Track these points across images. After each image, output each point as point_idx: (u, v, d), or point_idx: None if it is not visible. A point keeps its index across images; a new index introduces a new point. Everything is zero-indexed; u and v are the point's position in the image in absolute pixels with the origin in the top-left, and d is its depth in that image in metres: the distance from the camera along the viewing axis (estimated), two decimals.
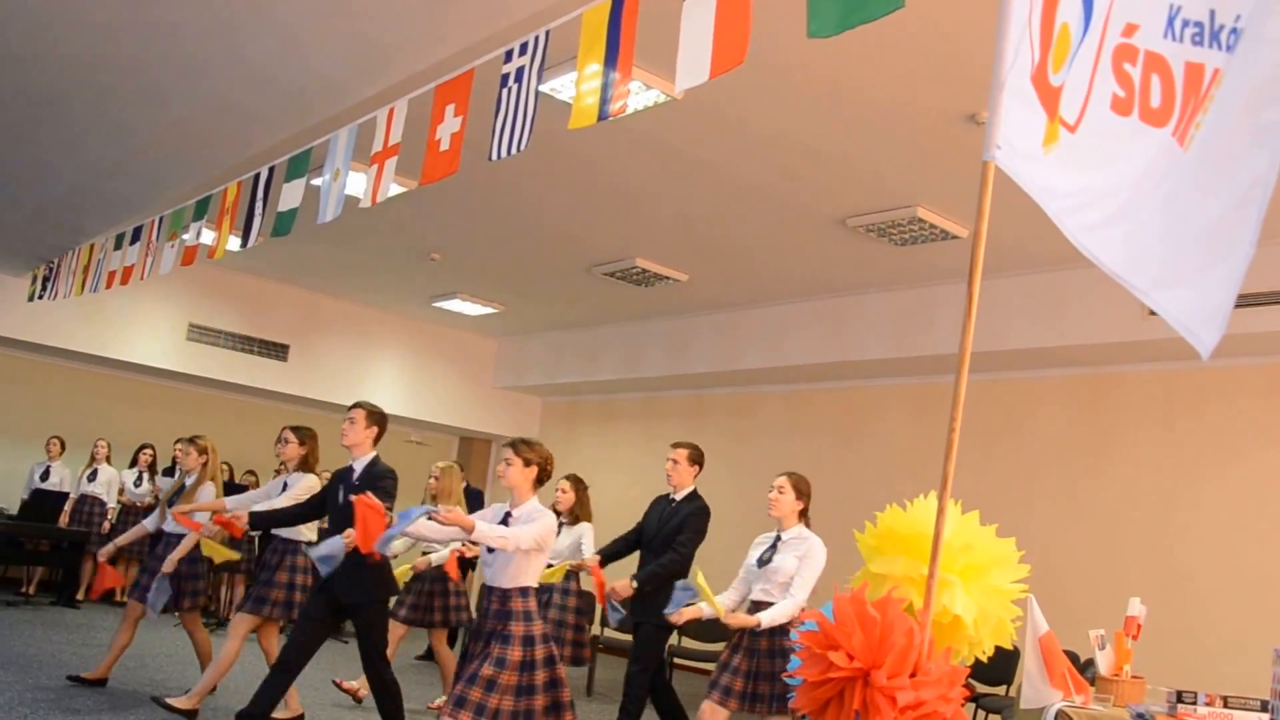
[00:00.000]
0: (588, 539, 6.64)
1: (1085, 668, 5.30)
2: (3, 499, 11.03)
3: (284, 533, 6.03)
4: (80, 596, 10.28)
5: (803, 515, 5.02)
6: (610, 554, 6.23)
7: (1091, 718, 4.36)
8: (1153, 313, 7.22)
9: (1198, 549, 7.64)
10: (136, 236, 7.15)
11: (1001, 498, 8.35)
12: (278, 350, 11.92)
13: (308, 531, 6.13)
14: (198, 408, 12.18)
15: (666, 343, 11.30)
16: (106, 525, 10.34)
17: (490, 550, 4.28)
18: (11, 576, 10.88)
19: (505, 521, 4.34)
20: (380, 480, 5.12)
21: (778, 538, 4.98)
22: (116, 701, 6.06)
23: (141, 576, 6.36)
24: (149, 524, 6.62)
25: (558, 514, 6.52)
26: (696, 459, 6.00)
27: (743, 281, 9.55)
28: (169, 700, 5.70)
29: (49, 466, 10.66)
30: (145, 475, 10.72)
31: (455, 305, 11.69)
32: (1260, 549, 7.31)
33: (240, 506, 5.73)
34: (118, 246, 7.43)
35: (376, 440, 5.38)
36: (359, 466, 5.28)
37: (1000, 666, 7.02)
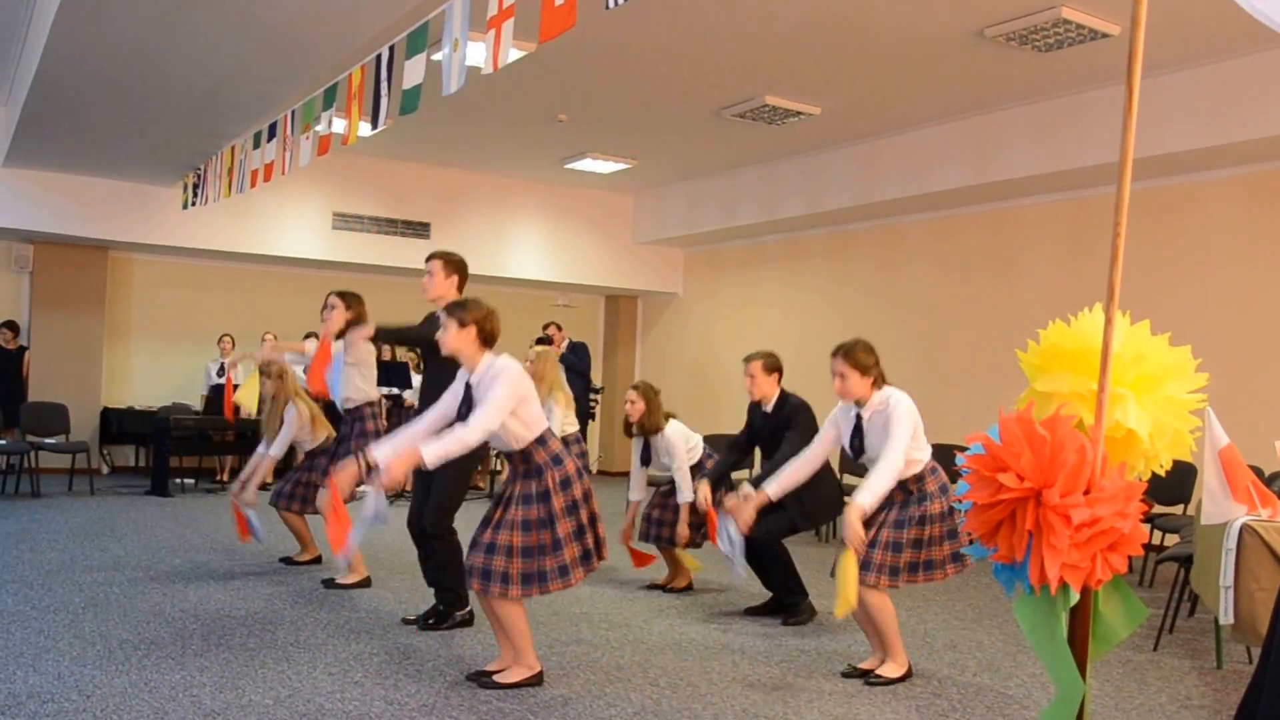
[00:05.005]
0: (682, 455, 6.19)
1: (1271, 481, 5.10)
2: (187, 396, 11.78)
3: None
4: (269, 480, 10.95)
5: (876, 384, 4.50)
6: (719, 475, 5.87)
7: None
8: None
9: None
10: (273, 133, 7.31)
11: (1172, 307, 8.01)
12: (420, 229, 12.18)
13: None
14: None
15: (804, 181, 11.04)
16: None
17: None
18: (207, 467, 11.69)
19: (468, 393, 4.18)
20: None
21: (858, 416, 4.54)
22: (320, 571, 6.50)
23: (292, 487, 6.57)
24: (273, 450, 6.61)
25: (629, 425, 6.32)
26: (774, 367, 5.66)
27: (878, 108, 9.19)
28: (339, 580, 6.10)
29: (223, 363, 11.34)
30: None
31: (587, 165, 11.65)
32: None
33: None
34: (256, 145, 7.62)
35: (460, 290, 5.19)
36: None
37: (1177, 485, 6.83)
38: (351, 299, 5.84)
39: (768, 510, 5.63)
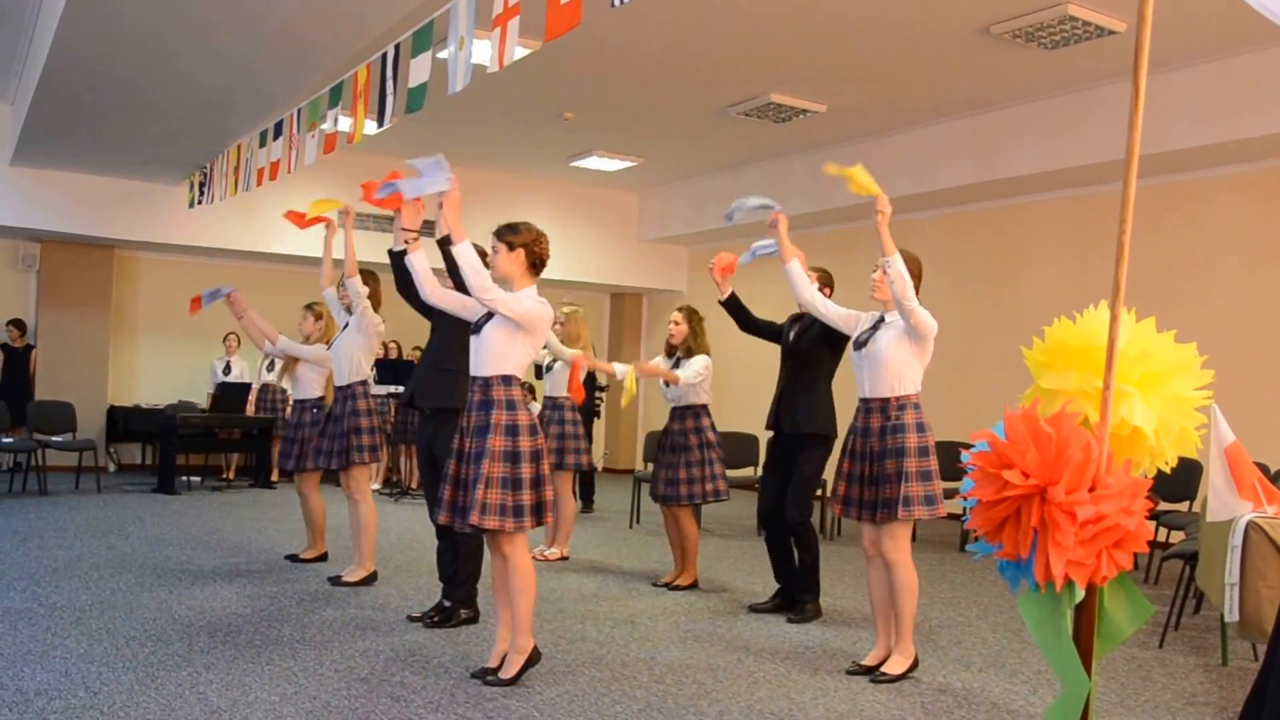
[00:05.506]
0: (700, 369, 6.30)
1: (1277, 478, 5.08)
2: (193, 395, 11.80)
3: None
4: (274, 478, 11.00)
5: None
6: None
7: None
8: None
9: None
10: (279, 132, 7.33)
11: (1178, 304, 7.99)
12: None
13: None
14: None
15: (809, 178, 11.01)
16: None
17: (477, 333, 4.13)
18: (212, 465, 11.71)
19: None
20: None
21: (881, 319, 4.67)
22: (328, 569, 6.51)
23: (288, 446, 6.67)
24: (281, 341, 6.89)
25: (672, 349, 6.39)
26: (826, 282, 5.76)
27: (884, 106, 9.18)
28: (344, 577, 6.07)
29: (229, 361, 11.40)
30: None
31: (593, 163, 11.66)
32: None
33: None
34: (262, 144, 7.63)
35: None
36: None
37: (1182, 482, 6.80)
38: (368, 275, 6.38)
39: (782, 483, 5.61)
